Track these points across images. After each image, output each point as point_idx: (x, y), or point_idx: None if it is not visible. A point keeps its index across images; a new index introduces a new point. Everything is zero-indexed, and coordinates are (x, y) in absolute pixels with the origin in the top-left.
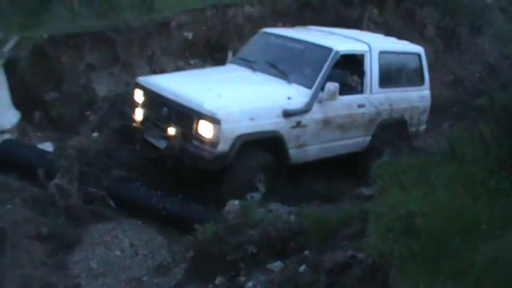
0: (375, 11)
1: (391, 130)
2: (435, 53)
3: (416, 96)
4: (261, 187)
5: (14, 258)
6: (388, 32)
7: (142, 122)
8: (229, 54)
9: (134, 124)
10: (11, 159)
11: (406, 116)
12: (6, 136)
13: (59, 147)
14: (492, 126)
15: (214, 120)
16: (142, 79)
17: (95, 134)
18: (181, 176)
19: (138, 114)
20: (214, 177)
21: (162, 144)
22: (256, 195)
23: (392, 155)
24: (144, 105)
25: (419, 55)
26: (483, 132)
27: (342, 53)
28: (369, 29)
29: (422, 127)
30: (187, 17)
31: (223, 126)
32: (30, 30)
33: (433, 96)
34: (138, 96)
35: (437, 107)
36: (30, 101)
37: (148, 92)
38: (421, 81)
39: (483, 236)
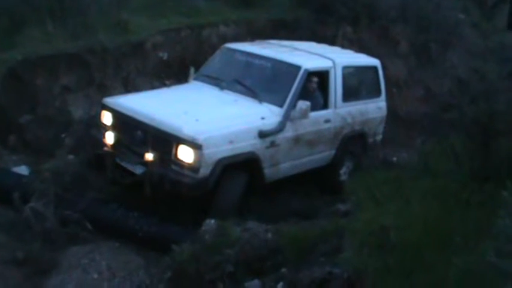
0: (349, 28)
1: (353, 142)
2: (408, 68)
3: (375, 108)
4: None
5: None
6: (362, 49)
7: (113, 146)
8: (191, 70)
9: (105, 149)
10: None
11: (366, 128)
12: None
13: (35, 171)
14: (463, 139)
15: (196, 146)
16: (110, 100)
17: (71, 157)
18: (161, 200)
19: (109, 138)
20: (194, 202)
21: (138, 170)
22: None
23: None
24: (114, 128)
25: (376, 67)
26: (455, 146)
27: (310, 70)
28: (343, 46)
29: (379, 137)
30: (162, 37)
31: (205, 151)
32: (3, 53)
33: (406, 111)
34: (107, 118)
35: (410, 122)
36: (5, 124)
37: (118, 115)
38: (378, 93)
39: (457, 249)
